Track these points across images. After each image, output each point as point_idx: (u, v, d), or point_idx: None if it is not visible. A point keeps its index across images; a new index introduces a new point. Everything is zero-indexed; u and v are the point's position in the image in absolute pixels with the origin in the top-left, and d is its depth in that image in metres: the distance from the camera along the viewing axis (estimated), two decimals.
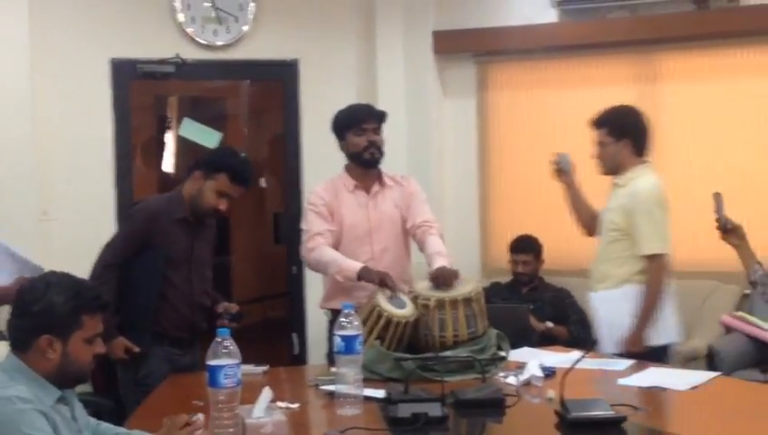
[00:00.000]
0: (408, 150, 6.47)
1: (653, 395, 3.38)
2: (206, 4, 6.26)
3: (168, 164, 7.36)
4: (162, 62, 6.22)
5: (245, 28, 6.34)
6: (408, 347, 3.84)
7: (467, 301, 3.86)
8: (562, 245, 6.22)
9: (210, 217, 4.32)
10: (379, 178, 4.52)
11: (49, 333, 2.58)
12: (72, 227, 5.94)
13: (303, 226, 4.47)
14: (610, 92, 6.14)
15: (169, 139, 7.31)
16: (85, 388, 5.21)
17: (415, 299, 3.92)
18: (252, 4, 6.33)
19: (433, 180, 6.43)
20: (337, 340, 3.23)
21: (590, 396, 3.11)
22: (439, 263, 4.12)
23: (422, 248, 4.40)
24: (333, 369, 3.40)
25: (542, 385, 3.47)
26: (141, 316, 4.17)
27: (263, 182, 7.46)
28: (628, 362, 3.88)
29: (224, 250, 6.69)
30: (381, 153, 4.47)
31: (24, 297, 2.63)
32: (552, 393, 3.25)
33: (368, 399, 3.25)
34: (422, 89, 6.62)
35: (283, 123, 6.67)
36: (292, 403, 3.28)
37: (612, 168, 4.44)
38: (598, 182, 4.61)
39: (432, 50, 6.59)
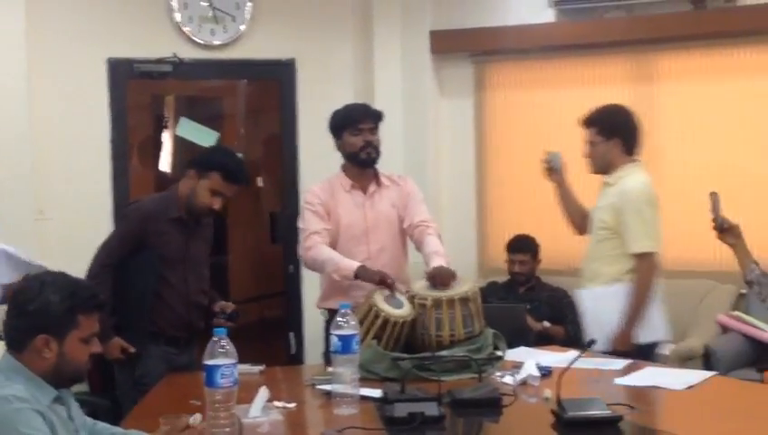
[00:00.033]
0: (405, 150, 6.47)
1: (649, 395, 3.38)
2: (203, 3, 6.25)
3: (165, 163, 7.35)
4: (159, 61, 6.22)
5: (242, 28, 6.34)
6: (405, 347, 3.84)
7: (464, 300, 3.86)
8: (559, 244, 6.22)
9: (205, 216, 4.31)
10: (375, 177, 4.52)
11: (45, 333, 2.58)
12: (68, 226, 5.94)
13: (300, 225, 4.47)
14: (607, 92, 6.15)
15: (166, 138, 7.30)
16: (82, 387, 5.22)
17: (412, 298, 3.92)
18: (249, 4, 6.33)
19: (430, 180, 6.43)
20: (334, 339, 3.22)
21: (587, 396, 3.11)
22: (437, 262, 4.12)
23: (419, 248, 4.41)
24: (330, 368, 3.40)
25: (538, 385, 3.47)
26: (137, 316, 4.18)
27: (259, 182, 7.46)
28: (625, 362, 3.88)
29: (220, 250, 6.69)
30: (378, 153, 4.47)
31: (20, 297, 2.63)
32: (548, 393, 3.25)
33: (364, 398, 3.25)
34: (419, 88, 6.62)
35: (279, 123, 6.67)
36: (289, 403, 3.28)
37: (602, 167, 4.45)
38: (592, 181, 4.62)
39: (429, 49, 6.60)
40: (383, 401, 3.19)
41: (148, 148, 7.33)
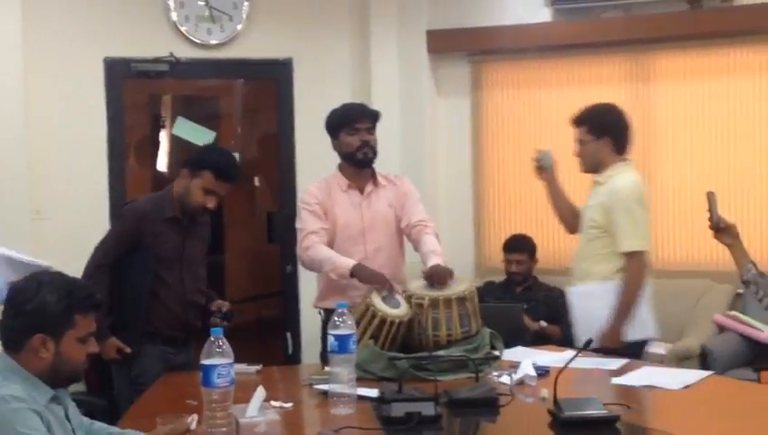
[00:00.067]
0: (401, 150, 6.47)
1: (646, 394, 3.38)
2: (199, 2, 6.25)
3: (162, 163, 7.36)
4: (156, 60, 6.21)
5: (239, 27, 6.34)
6: (402, 346, 3.84)
7: (461, 300, 3.87)
8: (556, 244, 6.24)
9: (199, 216, 4.30)
10: (372, 177, 4.52)
11: (42, 333, 2.58)
12: (65, 226, 5.93)
13: (298, 225, 4.47)
14: (604, 92, 6.16)
15: (163, 137, 7.30)
16: (79, 387, 5.20)
17: (409, 298, 3.92)
18: (246, 3, 6.32)
19: (427, 179, 6.43)
20: (331, 339, 3.23)
21: (584, 395, 3.12)
22: (434, 261, 4.12)
23: (417, 247, 4.40)
24: (327, 368, 3.40)
25: (535, 384, 3.48)
26: (133, 316, 4.17)
27: (256, 181, 7.46)
28: (622, 362, 3.89)
29: (217, 249, 6.69)
30: (375, 153, 4.46)
31: (17, 297, 2.63)
32: (545, 392, 3.26)
33: (361, 398, 3.26)
34: (416, 88, 6.62)
35: (276, 122, 6.67)
36: (286, 403, 3.28)
37: (592, 165, 4.45)
38: (585, 181, 4.62)
39: (426, 49, 6.60)
40: (380, 400, 3.19)
41: (145, 147, 7.33)
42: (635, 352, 4.20)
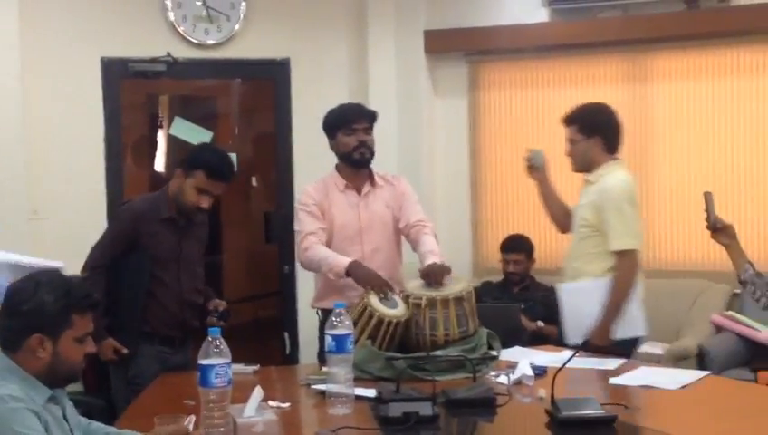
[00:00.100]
0: (399, 150, 6.48)
1: (643, 394, 3.38)
2: (197, 2, 6.25)
3: (159, 163, 7.34)
4: (153, 60, 6.21)
5: (237, 27, 6.34)
6: (400, 346, 3.84)
7: (458, 300, 3.87)
8: (554, 244, 6.24)
9: (194, 215, 4.29)
10: (369, 177, 4.52)
11: (39, 333, 2.57)
12: (62, 226, 5.93)
13: (296, 227, 4.46)
14: (601, 92, 6.18)
15: (160, 138, 7.29)
16: (76, 387, 5.19)
17: (406, 298, 3.92)
18: (243, 3, 6.33)
19: (424, 180, 6.44)
20: (328, 339, 3.22)
21: (581, 395, 3.12)
22: (431, 261, 4.12)
23: (415, 248, 4.40)
24: (324, 368, 3.40)
25: (532, 384, 3.48)
26: (130, 317, 4.17)
27: (254, 181, 7.45)
28: (619, 362, 3.89)
29: (214, 249, 6.67)
30: (372, 153, 4.46)
31: (14, 297, 2.63)
32: (542, 392, 3.26)
33: (359, 398, 3.26)
34: (413, 88, 6.63)
35: (274, 122, 6.67)
36: (284, 403, 3.28)
37: (583, 165, 4.46)
38: (580, 180, 4.62)
39: (423, 49, 6.60)
40: (378, 400, 3.19)
41: (142, 147, 7.31)
42: (624, 350, 4.21)
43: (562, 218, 4.66)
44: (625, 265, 4.27)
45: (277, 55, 6.51)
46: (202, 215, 4.33)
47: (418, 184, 5.30)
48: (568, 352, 3.55)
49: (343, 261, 4.19)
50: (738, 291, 5.82)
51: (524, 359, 3.70)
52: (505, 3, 6.55)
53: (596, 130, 4.41)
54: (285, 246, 6.39)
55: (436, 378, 3.44)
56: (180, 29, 6.24)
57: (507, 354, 3.97)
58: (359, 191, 4.48)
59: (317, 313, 4.50)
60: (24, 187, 5.80)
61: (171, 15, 6.22)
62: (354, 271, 4.13)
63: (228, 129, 7.37)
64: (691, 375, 3.66)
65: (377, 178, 4.53)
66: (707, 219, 3.74)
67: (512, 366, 3.65)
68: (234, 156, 5.90)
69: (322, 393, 3.33)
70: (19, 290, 2.63)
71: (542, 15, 6.45)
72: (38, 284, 2.62)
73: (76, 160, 6.08)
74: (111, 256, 4.19)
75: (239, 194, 7.37)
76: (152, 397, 3.60)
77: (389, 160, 5.90)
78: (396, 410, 3.00)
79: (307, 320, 5.69)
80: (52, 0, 6.05)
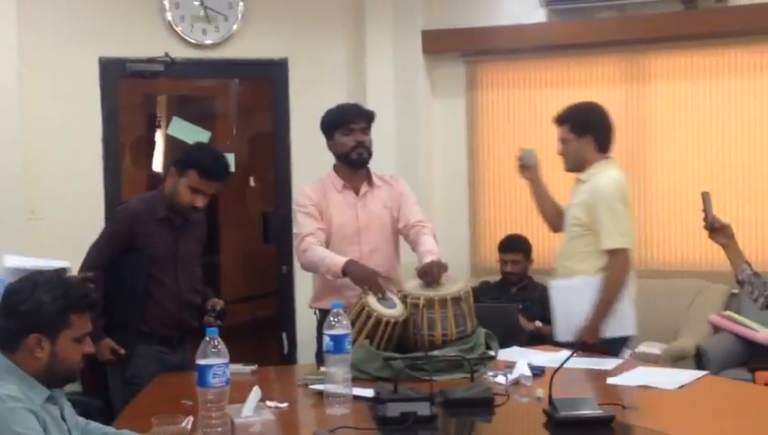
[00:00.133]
0: (397, 150, 6.48)
1: (641, 394, 3.38)
2: (195, 2, 6.25)
3: (157, 163, 7.34)
4: (151, 60, 6.21)
5: (235, 27, 6.34)
6: (398, 346, 3.84)
7: (456, 300, 3.87)
8: (552, 244, 6.20)
9: (189, 215, 4.28)
10: (367, 178, 4.52)
11: (37, 333, 2.57)
12: (60, 226, 5.92)
13: (295, 229, 4.46)
14: (599, 92, 6.18)
15: (158, 138, 7.29)
16: (74, 387, 5.21)
17: (404, 298, 3.92)
18: (241, 3, 6.33)
19: (422, 180, 6.44)
20: (326, 339, 3.22)
21: (579, 395, 3.12)
22: (428, 260, 4.12)
23: (414, 248, 4.40)
24: (322, 368, 3.40)
25: (530, 384, 3.48)
26: (127, 317, 4.17)
27: (251, 181, 7.45)
28: (617, 361, 3.90)
29: (212, 249, 6.67)
30: (369, 153, 4.46)
31: (12, 297, 2.62)
32: (540, 393, 3.26)
33: (357, 398, 3.26)
34: (411, 88, 6.63)
35: (272, 122, 6.67)
36: (281, 403, 3.28)
37: (575, 164, 4.47)
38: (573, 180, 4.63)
39: (421, 49, 6.60)
40: (375, 400, 3.19)
41: (140, 147, 7.31)
42: (613, 348, 4.22)
43: (554, 218, 4.67)
44: (616, 264, 4.28)
45: (275, 55, 6.51)
46: (198, 214, 4.33)
47: (416, 184, 5.30)
48: (566, 353, 3.56)
49: (340, 261, 4.18)
50: (736, 291, 5.83)
51: (522, 359, 3.70)
52: (503, 3, 6.55)
53: (587, 130, 4.42)
54: (283, 247, 6.39)
55: (433, 378, 3.44)
56: (178, 29, 6.24)
57: (505, 354, 3.97)
58: (356, 191, 4.48)
59: (315, 313, 4.50)
60: (22, 187, 5.80)
61: (169, 15, 6.22)
62: (350, 270, 4.13)
63: (226, 129, 7.37)
64: (689, 375, 3.66)
65: (375, 179, 4.52)
66: (705, 219, 3.75)
67: (510, 366, 3.65)
68: (231, 156, 5.92)
69: (320, 393, 3.32)
70: (17, 290, 2.63)
71: (539, 16, 6.46)
72: (36, 284, 2.62)
73: (74, 160, 6.08)
74: (108, 256, 4.19)
75: (237, 194, 7.37)
76: (150, 397, 3.60)
77: (387, 160, 5.89)
78: (394, 410, 3.00)
79: (305, 320, 5.69)
80: (50, 0, 6.05)
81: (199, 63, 6.36)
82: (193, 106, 7.35)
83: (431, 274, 3.95)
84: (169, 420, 2.81)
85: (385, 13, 6.55)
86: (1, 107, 5.72)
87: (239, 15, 6.33)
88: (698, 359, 5.50)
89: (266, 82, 6.68)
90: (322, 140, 4.53)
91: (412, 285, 4.00)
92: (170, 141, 6.63)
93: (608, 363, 3.83)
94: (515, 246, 6.07)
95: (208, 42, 6.31)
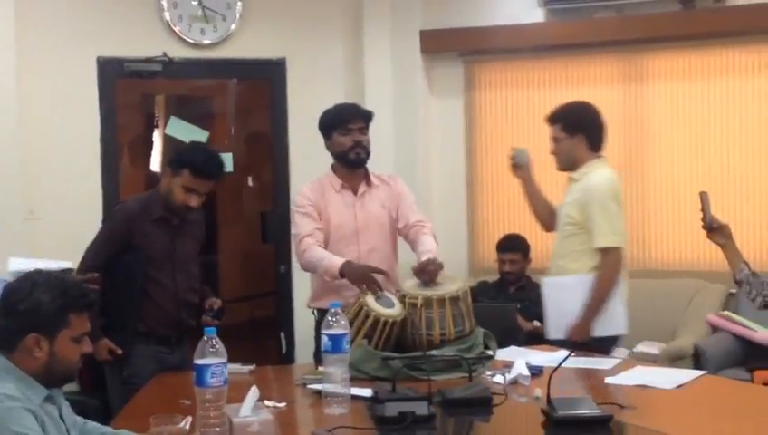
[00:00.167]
0: (395, 150, 6.48)
1: (639, 394, 3.38)
2: (193, 2, 6.25)
3: (155, 163, 7.34)
4: (149, 60, 6.21)
5: (233, 27, 6.34)
6: (396, 346, 3.84)
7: (454, 300, 3.87)
8: (550, 244, 6.20)
9: (185, 214, 4.27)
10: (365, 177, 4.52)
11: (35, 332, 2.57)
12: (58, 225, 5.91)
13: (293, 230, 4.46)
14: (597, 92, 6.18)
15: (156, 137, 7.29)
16: (72, 387, 5.20)
17: (402, 298, 3.92)
18: (239, 3, 6.32)
19: (420, 180, 6.44)
20: (324, 339, 3.22)
21: (577, 395, 3.12)
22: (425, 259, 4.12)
23: (414, 248, 4.40)
24: (321, 368, 3.40)
25: (528, 384, 3.48)
26: (125, 317, 4.17)
27: (249, 181, 7.45)
28: (615, 361, 3.90)
29: (210, 249, 6.67)
30: (367, 153, 4.46)
31: (10, 297, 2.62)
32: (538, 392, 3.26)
33: (355, 398, 3.26)
34: (409, 88, 6.63)
35: (270, 122, 6.67)
36: (280, 402, 3.28)
37: (568, 163, 4.48)
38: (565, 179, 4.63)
39: (419, 49, 6.60)
40: (374, 400, 3.19)
41: (138, 147, 7.31)
42: (604, 347, 4.22)
43: (547, 217, 4.68)
44: (609, 263, 4.29)
45: (273, 55, 6.51)
46: (194, 213, 4.32)
47: (414, 184, 5.30)
48: (564, 352, 3.56)
49: (337, 263, 4.19)
50: (734, 291, 5.83)
51: (520, 359, 3.69)
52: (501, 3, 6.55)
53: (579, 129, 4.44)
54: (281, 246, 6.39)
55: (432, 378, 3.44)
56: (176, 29, 6.24)
57: (503, 354, 3.97)
58: (355, 191, 4.48)
59: (313, 312, 4.50)
60: (20, 186, 5.79)
61: (167, 15, 6.21)
62: (347, 270, 4.13)
63: (224, 128, 7.37)
64: (687, 375, 3.66)
65: (373, 179, 4.53)
66: (703, 219, 3.75)
67: (508, 366, 3.65)
68: (229, 156, 5.92)
69: (318, 393, 3.32)
70: (15, 289, 2.63)
71: (537, 16, 6.46)
72: (34, 283, 2.62)
73: (72, 160, 6.07)
74: (105, 256, 4.18)
75: (235, 194, 7.37)
76: (148, 397, 3.60)
77: (385, 160, 5.90)
78: (392, 409, 3.00)
79: (303, 320, 5.67)
80: (48, 0, 6.04)
81: (197, 63, 6.36)
82: (191, 106, 7.35)
83: (427, 271, 3.95)
84: (167, 420, 2.81)
85: (383, 13, 6.55)
86: None
87: (237, 15, 6.33)
88: (696, 359, 5.51)
89: (264, 81, 6.67)
90: (320, 139, 4.53)
91: (410, 284, 4.00)
92: (168, 141, 6.62)
93: (606, 363, 3.84)
94: (513, 245, 6.07)
95: (206, 41, 6.31)
